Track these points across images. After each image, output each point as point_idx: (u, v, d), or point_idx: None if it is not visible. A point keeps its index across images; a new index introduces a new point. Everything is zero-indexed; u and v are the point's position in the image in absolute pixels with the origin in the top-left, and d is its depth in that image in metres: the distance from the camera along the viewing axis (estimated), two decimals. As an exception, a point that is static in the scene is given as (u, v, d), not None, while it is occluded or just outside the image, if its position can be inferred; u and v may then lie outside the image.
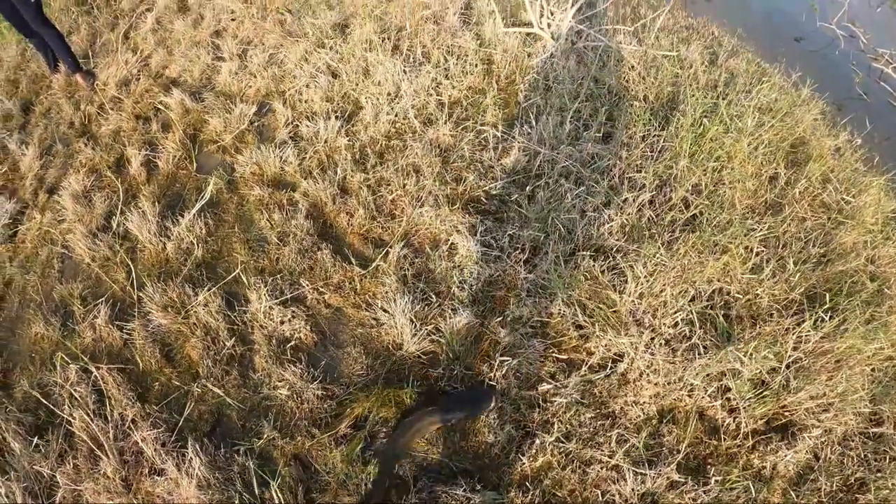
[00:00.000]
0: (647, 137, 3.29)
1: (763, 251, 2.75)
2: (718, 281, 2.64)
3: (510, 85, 3.74)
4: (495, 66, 3.86)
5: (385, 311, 2.65)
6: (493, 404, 2.43)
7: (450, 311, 2.61)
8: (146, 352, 2.83)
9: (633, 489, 2.32)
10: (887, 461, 2.40)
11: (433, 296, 2.67)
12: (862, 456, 2.42)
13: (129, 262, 3.21)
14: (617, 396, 2.49)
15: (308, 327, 2.68)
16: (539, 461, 2.40)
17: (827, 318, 2.49)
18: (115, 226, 3.46)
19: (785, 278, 2.68)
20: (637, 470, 2.35)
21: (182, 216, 3.27)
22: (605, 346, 2.54)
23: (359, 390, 2.54)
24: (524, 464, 2.40)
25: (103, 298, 3.10)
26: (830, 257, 2.88)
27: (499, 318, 2.60)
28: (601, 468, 2.38)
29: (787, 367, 2.42)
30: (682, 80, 3.71)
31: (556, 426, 2.43)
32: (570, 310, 2.61)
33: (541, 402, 2.49)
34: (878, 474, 2.38)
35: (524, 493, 2.35)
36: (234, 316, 2.80)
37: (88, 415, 2.66)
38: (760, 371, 2.42)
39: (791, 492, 2.33)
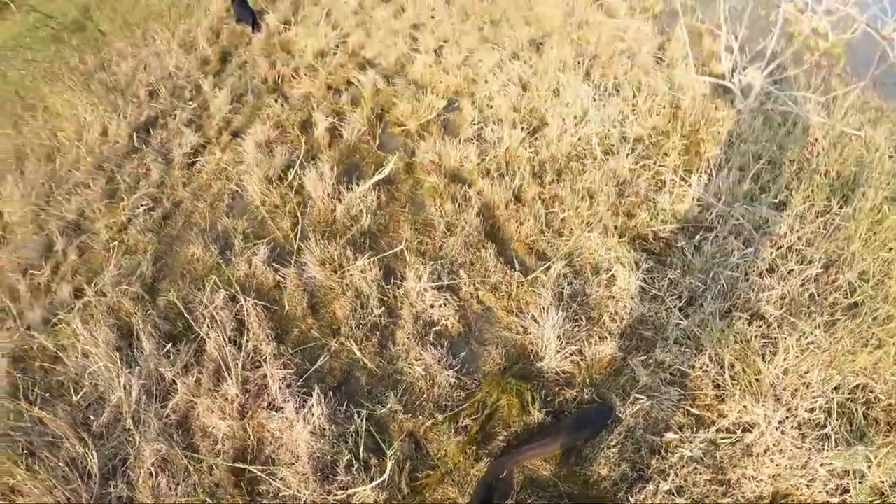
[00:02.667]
0: (822, 213, 3.15)
1: (919, 357, 2.56)
2: (866, 375, 2.49)
3: (693, 133, 3.68)
4: (682, 112, 3.82)
5: (535, 321, 2.68)
6: (613, 417, 2.43)
7: (597, 337, 2.61)
8: (294, 298, 2.99)
9: (729, 567, 2.24)
10: None
11: (584, 319, 2.69)
12: None
13: (298, 214, 3.41)
14: (737, 466, 2.38)
15: (456, 317, 2.75)
16: (646, 509, 2.34)
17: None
18: (291, 178, 3.70)
19: (934, 396, 2.49)
20: (738, 549, 2.23)
21: (357, 185, 3.45)
22: (739, 412, 2.45)
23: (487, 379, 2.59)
24: (631, 505, 2.35)
25: (265, 240, 3.31)
26: None
27: (642, 357, 2.56)
28: (704, 535, 2.29)
29: (912, 486, 2.26)
30: (867, 161, 3.52)
31: (671, 478, 2.36)
32: (714, 367, 2.54)
33: (662, 450, 2.43)
34: None
35: (624, 536, 2.29)
36: (388, 288, 2.92)
37: (224, 339, 2.83)
38: (884, 481, 2.26)
39: None
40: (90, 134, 4.82)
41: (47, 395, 2.94)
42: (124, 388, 2.76)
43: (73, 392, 2.88)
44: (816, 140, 3.64)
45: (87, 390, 2.87)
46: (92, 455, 2.57)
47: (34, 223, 4.22)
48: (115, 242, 3.74)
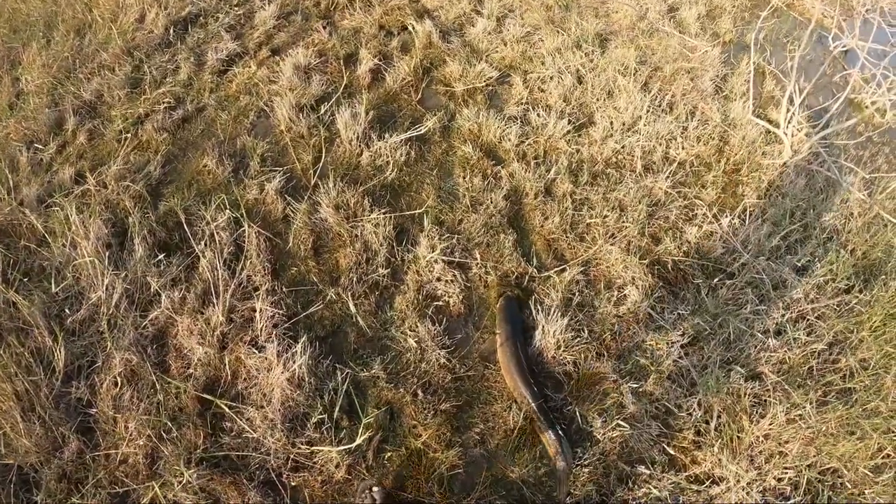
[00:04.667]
0: (842, 292, 3.11)
1: (892, 457, 2.55)
2: (840, 461, 2.49)
3: (735, 172, 3.60)
4: (728, 148, 3.73)
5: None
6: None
7: (594, 353, 2.57)
8: (300, 235, 2.92)
9: None
10: None
11: (586, 331, 2.64)
12: None
13: (322, 150, 3.30)
14: (697, 516, 2.38)
15: (460, 297, 2.69)
16: (602, 536, 2.33)
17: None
18: (322, 111, 3.57)
19: (901, 495, 2.52)
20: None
21: (389, 135, 3.33)
22: (713, 463, 2.44)
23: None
24: (588, 528, 2.33)
25: (283, 168, 3.22)
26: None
27: (634, 385, 2.53)
28: (652, 573, 2.30)
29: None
30: (896, 252, 3.48)
31: (632, 512, 2.36)
32: (700, 413, 2.52)
33: (630, 481, 2.42)
34: None
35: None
36: (398, 250, 2.84)
37: (220, 261, 2.76)
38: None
39: None
40: (126, 17, 4.64)
41: (26, 279, 2.87)
42: (106, 289, 2.70)
43: (53, 281, 2.80)
44: (853, 215, 3.58)
45: (69, 282, 2.80)
46: (60, 350, 2.52)
47: (49, 96, 4.07)
48: (128, 135, 3.63)
